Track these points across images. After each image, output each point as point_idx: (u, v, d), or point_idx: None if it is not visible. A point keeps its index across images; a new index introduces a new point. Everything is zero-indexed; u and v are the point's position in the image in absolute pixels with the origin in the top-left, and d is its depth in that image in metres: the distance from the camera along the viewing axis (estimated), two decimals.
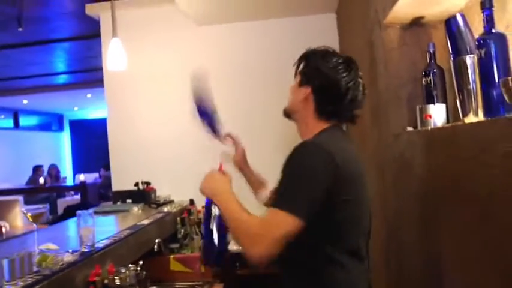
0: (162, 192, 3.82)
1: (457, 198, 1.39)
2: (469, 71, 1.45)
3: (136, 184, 3.70)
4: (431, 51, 1.84)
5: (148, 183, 3.72)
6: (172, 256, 2.82)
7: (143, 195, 3.68)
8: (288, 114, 1.76)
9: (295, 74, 1.72)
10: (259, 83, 4.02)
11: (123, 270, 2.07)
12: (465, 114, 1.48)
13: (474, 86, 1.45)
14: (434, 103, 1.80)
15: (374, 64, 2.29)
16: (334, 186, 1.44)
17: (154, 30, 4.10)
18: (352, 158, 1.54)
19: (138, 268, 2.18)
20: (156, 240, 2.80)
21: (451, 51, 1.51)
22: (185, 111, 4.09)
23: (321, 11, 3.95)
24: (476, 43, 1.31)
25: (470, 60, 1.45)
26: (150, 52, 4.12)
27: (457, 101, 1.51)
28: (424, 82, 1.85)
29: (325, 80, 1.59)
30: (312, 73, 1.63)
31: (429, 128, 1.67)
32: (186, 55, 4.09)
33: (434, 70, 1.83)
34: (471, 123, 1.40)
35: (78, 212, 2.06)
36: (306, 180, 1.44)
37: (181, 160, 4.03)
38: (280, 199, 1.47)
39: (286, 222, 1.39)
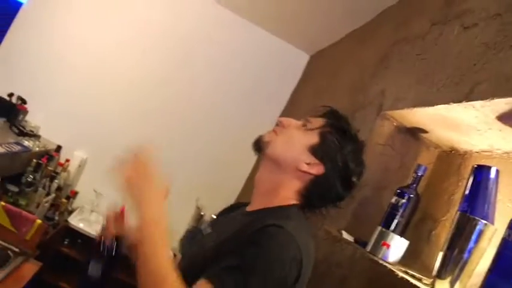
0: (32, 118, 3.17)
1: None
2: (472, 238, 1.17)
3: (11, 95, 3.03)
4: (419, 174, 1.57)
5: (24, 101, 3.07)
6: (2, 203, 2.24)
7: (11, 110, 3.01)
8: (262, 149, 1.21)
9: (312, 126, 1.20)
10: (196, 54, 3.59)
11: None
12: (439, 277, 1.20)
13: (469, 256, 1.17)
14: (389, 228, 1.52)
15: None
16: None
17: None
18: (312, 256, 1.13)
19: None
20: None
21: (464, 202, 1.23)
22: (109, 40, 3.59)
23: (297, 46, 3.67)
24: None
25: (482, 227, 1.17)
26: None
27: (441, 257, 1.22)
28: (393, 201, 1.57)
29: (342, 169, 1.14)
30: (327, 154, 1.15)
31: (388, 264, 1.37)
32: None
33: (411, 196, 1.55)
34: None
35: None
36: (269, 273, 0.97)
37: (75, 97, 3.41)
38: (226, 275, 0.95)
39: None
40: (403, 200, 1.55)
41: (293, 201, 1.16)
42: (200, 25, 3.59)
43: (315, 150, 1.15)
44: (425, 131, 1.69)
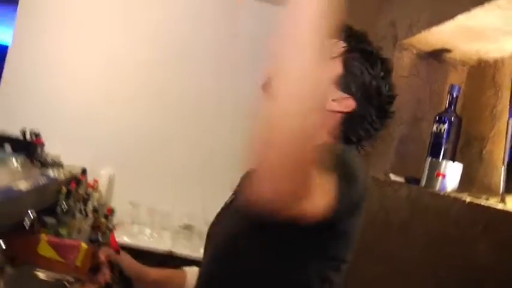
0: (51, 149, 3.15)
1: None
2: None
3: (23, 132, 3.00)
4: (454, 96, 1.48)
5: (38, 135, 3.04)
6: (44, 237, 2.21)
7: (28, 147, 2.99)
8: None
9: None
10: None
11: None
12: (508, 191, 1.12)
13: None
14: (439, 157, 1.45)
15: None
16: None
17: None
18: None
19: None
20: (30, 212, 2.19)
21: None
22: (103, 61, 3.55)
23: None
24: None
25: None
26: None
27: (502, 171, 1.14)
28: (435, 129, 1.49)
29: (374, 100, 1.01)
30: (356, 84, 1.01)
31: (439, 189, 1.30)
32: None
33: (452, 119, 1.47)
34: None
35: None
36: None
37: (85, 120, 3.37)
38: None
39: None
40: (445, 126, 1.46)
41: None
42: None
43: (341, 83, 1.01)
44: (448, 50, 1.60)
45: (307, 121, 0.62)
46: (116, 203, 3.33)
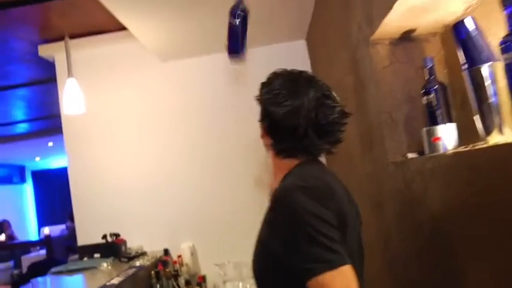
0: (133, 243, 3.48)
1: (485, 239, 1.14)
2: (488, 82, 1.23)
3: (104, 236, 3.35)
4: (430, 66, 1.63)
5: (117, 235, 3.38)
6: None
7: (112, 248, 3.33)
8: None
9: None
10: (231, 115, 3.77)
11: None
12: (488, 133, 1.25)
13: (496, 98, 1.22)
14: (438, 123, 1.58)
15: (361, 86, 2.07)
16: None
17: (113, 70, 3.82)
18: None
19: None
20: None
21: (463, 62, 1.29)
22: (150, 154, 3.91)
23: (291, 39, 3.78)
24: (501, 46, 1.10)
25: (488, 69, 1.23)
26: (111, 93, 3.83)
27: (477, 118, 1.28)
28: (424, 101, 1.63)
29: (271, 116, 1.43)
30: (261, 108, 1.47)
31: (442, 152, 1.43)
32: (149, 93, 3.83)
33: (436, 87, 1.61)
34: (497, 145, 1.16)
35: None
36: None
37: (152, 207, 3.71)
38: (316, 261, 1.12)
39: (349, 277, 1.12)
40: (431, 95, 1.60)
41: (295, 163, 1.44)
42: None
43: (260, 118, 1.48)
44: (413, 30, 1.75)
45: None
46: (204, 269, 3.59)
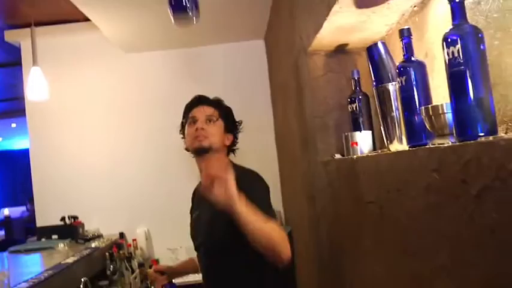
0: (90, 226, 3.63)
1: (381, 231, 1.36)
2: (392, 98, 1.45)
3: (63, 219, 3.49)
4: (356, 78, 1.85)
5: (75, 218, 3.52)
6: None
7: (70, 230, 3.48)
8: (206, 150, 1.95)
9: (218, 117, 2.00)
10: None
11: None
12: (390, 142, 1.48)
13: (397, 113, 1.44)
14: (360, 130, 1.80)
15: (300, 91, 2.28)
16: None
17: (78, 58, 3.95)
18: None
19: None
20: (82, 279, 2.63)
21: (373, 79, 1.51)
22: (110, 140, 4.04)
23: (250, 37, 3.96)
24: (397, 70, 1.31)
25: (392, 87, 1.45)
26: (74, 80, 3.95)
27: (382, 128, 1.50)
28: (350, 109, 1.85)
29: (237, 134, 2.07)
30: (234, 126, 2.06)
31: (354, 156, 1.66)
32: (111, 82, 3.97)
33: (360, 97, 1.83)
34: (395, 152, 1.39)
35: None
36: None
37: (110, 192, 3.86)
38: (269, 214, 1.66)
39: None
40: (355, 104, 1.82)
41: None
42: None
43: (226, 130, 2.05)
44: (346, 44, 1.97)
45: (284, 243, 1.60)
46: (158, 253, 3.77)
